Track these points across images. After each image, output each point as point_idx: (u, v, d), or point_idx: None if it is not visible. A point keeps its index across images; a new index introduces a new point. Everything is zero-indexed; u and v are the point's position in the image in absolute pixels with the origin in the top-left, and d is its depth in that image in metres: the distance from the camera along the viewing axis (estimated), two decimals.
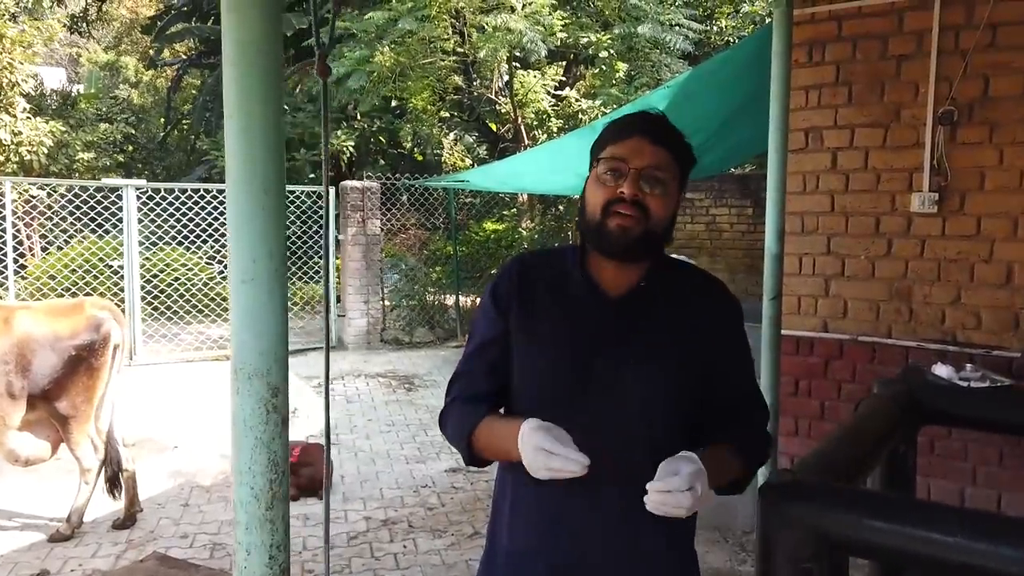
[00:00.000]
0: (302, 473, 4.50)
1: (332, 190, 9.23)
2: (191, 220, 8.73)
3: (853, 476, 1.78)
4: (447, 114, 12.85)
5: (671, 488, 1.21)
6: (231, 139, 1.06)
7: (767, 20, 3.10)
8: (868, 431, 2.03)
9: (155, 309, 8.85)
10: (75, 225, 8.88)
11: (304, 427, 5.88)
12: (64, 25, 15.74)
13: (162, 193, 8.69)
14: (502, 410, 1.47)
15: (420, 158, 13.97)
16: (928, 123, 3.39)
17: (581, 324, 1.39)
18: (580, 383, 1.36)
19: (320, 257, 9.60)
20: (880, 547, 1.48)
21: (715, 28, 11.53)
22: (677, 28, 9.62)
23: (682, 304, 1.40)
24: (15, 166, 11.03)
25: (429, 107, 11.41)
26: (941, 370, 3.02)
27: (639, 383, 1.35)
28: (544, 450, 1.23)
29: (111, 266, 8.49)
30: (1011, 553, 1.37)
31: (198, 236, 8.89)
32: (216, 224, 8.71)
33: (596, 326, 1.38)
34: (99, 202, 8.29)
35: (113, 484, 4.10)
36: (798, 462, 1.72)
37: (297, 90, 13.20)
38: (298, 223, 9.43)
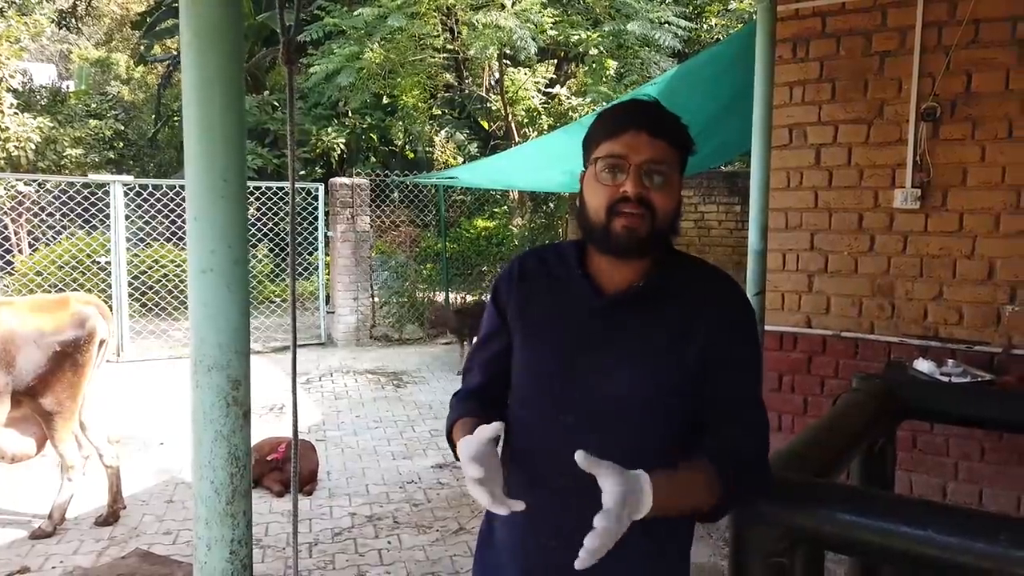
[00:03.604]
0: (289, 469, 4.49)
1: (321, 187, 9.21)
2: (179, 216, 8.69)
3: (828, 471, 1.77)
4: (438, 111, 12.85)
5: (597, 544, 1.13)
6: (189, 124, 1.04)
7: (755, 17, 3.10)
8: (844, 425, 2.02)
9: (143, 306, 8.82)
10: (62, 221, 8.83)
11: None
12: (52, 21, 15.64)
13: (150, 189, 8.66)
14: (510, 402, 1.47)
15: (411, 155, 13.96)
16: (911, 119, 3.39)
17: (571, 321, 1.37)
18: (565, 380, 1.35)
19: (308, 253, 9.57)
20: (851, 541, 1.48)
21: (704, 26, 11.54)
22: (666, 26, 9.62)
23: (679, 304, 1.33)
24: (2, 162, 10.97)
25: (420, 104, 11.40)
26: (923, 365, 3.03)
27: (625, 382, 1.32)
28: (476, 486, 1.22)
29: (99, 262, 8.45)
30: (982, 547, 1.37)
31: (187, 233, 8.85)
32: None
33: (586, 323, 1.35)
34: (86, 198, 8.26)
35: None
36: (771, 456, 1.72)
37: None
38: (287, 218, 9.40)
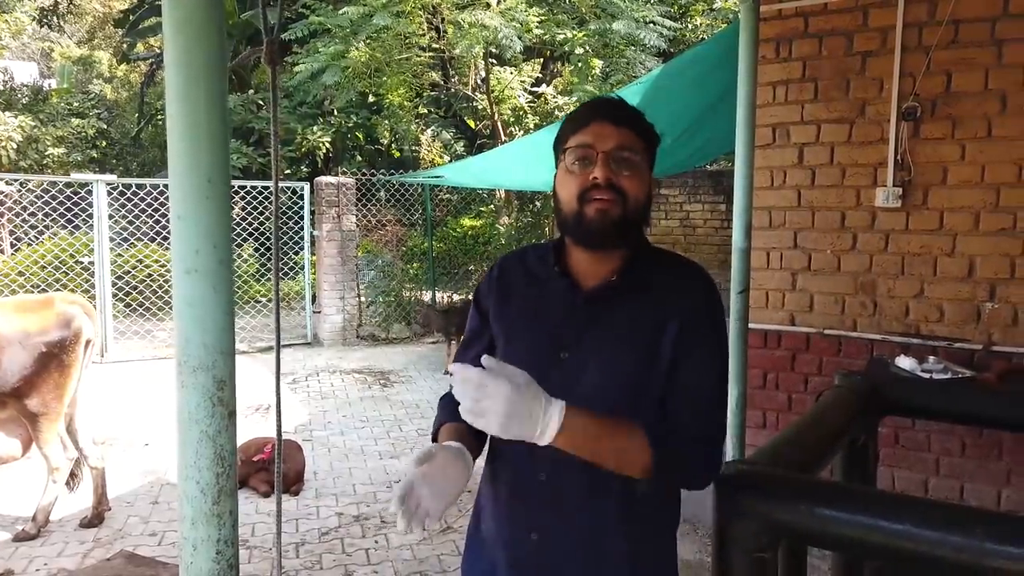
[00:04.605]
0: (274, 469, 4.47)
1: (307, 186, 9.18)
2: (163, 216, 8.65)
3: (810, 466, 1.80)
4: (424, 110, 12.83)
5: (464, 378, 1.16)
6: (173, 124, 1.04)
7: (739, 17, 3.11)
8: (826, 422, 2.05)
9: (127, 306, 8.76)
10: (45, 221, 8.76)
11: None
12: (33, 18, 15.49)
13: (133, 189, 8.60)
14: None
15: (397, 154, 13.93)
16: (892, 119, 3.42)
17: (551, 317, 1.40)
18: (545, 378, 1.34)
19: (294, 253, 9.54)
20: (833, 536, 1.50)
21: (689, 25, 11.58)
22: (651, 25, 9.65)
23: (653, 298, 1.36)
24: None
25: (406, 103, 11.37)
26: (904, 362, 3.06)
27: (600, 376, 1.34)
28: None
29: (82, 262, 8.38)
30: (959, 541, 1.39)
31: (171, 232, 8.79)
32: None
33: (564, 319, 1.39)
34: (69, 198, 8.19)
35: (71, 476, 4.06)
36: (754, 452, 1.74)
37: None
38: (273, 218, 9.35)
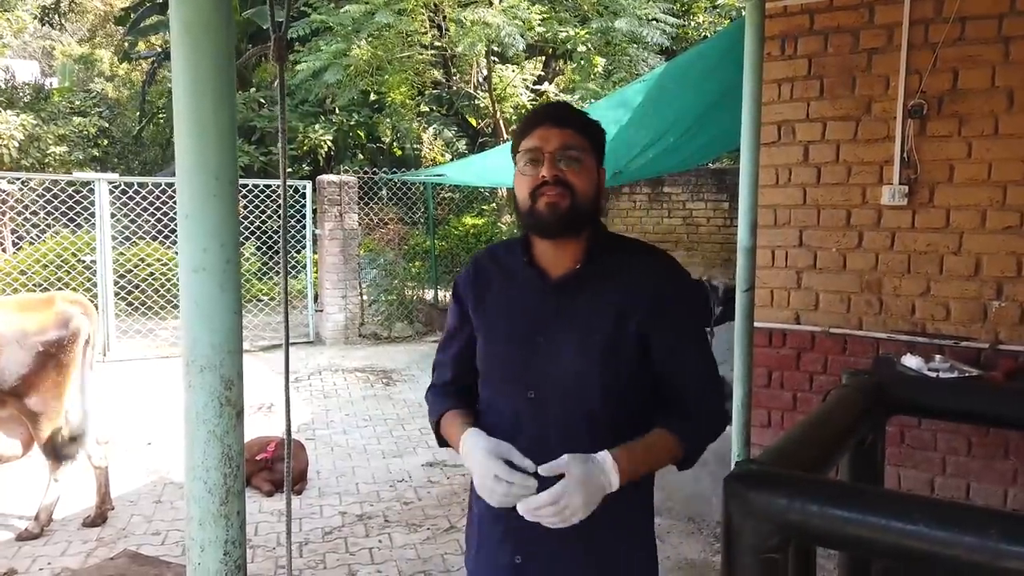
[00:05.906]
0: (278, 468, 4.47)
1: (309, 184, 9.17)
2: (165, 214, 8.64)
3: (818, 466, 1.78)
4: (426, 108, 12.81)
5: (537, 505, 1.32)
6: (180, 122, 1.03)
7: (743, 14, 3.10)
8: (834, 421, 2.03)
9: (129, 304, 8.75)
10: (47, 220, 8.75)
11: (281, 422, 5.83)
12: (35, 17, 15.49)
13: (135, 187, 8.58)
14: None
15: (399, 152, 13.91)
16: (898, 116, 3.41)
17: (524, 306, 1.50)
18: (525, 362, 1.47)
19: (296, 251, 9.53)
20: (842, 536, 1.49)
21: (692, 23, 11.56)
22: (654, 23, 9.64)
23: (619, 282, 1.46)
24: None
25: (407, 101, 11.36)
26: (911, 361, 3.05)
27: (574, 357, 1.44)
28: (496, 477, 1.36)
29: (84, 261, 8.38)
30: (973, 541, 1.38)
31: (173, 231, 8.79)
32: None
33: (537, 307, 1.49)
34: (71, 196, 8.19)
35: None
36: (762, 452, 1.73)
37: (275, 83, 13.06)
38: (276, 216, 9.35)
